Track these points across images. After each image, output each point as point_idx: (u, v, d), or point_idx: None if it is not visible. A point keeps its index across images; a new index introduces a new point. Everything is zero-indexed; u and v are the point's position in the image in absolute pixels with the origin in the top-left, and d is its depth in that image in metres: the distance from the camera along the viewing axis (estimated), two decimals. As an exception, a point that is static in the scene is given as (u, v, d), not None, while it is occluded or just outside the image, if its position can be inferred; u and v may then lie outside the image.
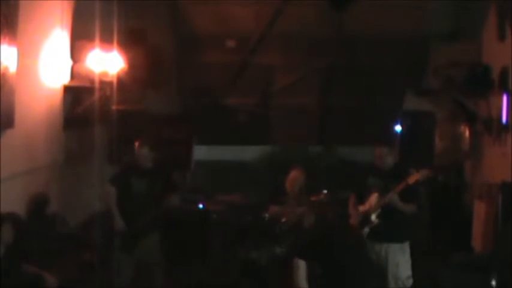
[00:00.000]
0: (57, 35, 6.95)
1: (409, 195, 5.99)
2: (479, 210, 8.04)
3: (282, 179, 7.18)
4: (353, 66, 9.93)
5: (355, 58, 9.80)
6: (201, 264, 8.09)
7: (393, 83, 9.99)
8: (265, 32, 9.66)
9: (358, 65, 9.90)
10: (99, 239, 6.83)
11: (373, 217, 6.08)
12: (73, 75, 7.30)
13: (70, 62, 7.26)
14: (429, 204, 8.71)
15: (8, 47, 5.45)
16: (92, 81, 7.33)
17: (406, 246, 6.15)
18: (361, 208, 6.19)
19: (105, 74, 7.40)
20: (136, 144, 6.52)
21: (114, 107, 7.94)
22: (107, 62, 7.39)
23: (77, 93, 7.52)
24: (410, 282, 6.09)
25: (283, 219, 7.36)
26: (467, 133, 9.30)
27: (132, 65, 7.90)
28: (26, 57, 5.99)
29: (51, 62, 6.80)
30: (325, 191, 8.04)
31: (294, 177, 7.09)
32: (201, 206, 8.64)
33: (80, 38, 7.36)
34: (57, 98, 7.13)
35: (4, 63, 5.41)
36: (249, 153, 11.53)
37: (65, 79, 7.21)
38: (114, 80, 7.55)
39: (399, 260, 6.06)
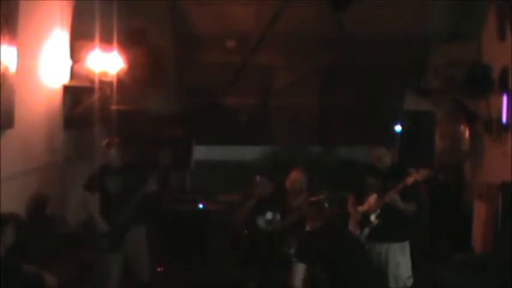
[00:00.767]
0: (57, 35, 6.95)
1: (408, 196, 5.98)
2: (479, 210, 8.04)
3: (282, 179, 7.18)
4: (353, 66, 9.92)
5: (355, 58, 9.80)
6: (201, 264, 8.09)
7: (393, 83, 9.98)
8: (265, 32, 9.65)
9: (358, 65, 9.89)
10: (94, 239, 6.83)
11: (373, 218, 6.07)
12: (73, 75, 7.30)
13: (70, 62, 7.27)
14: (429, 204, 8.71)
15: (8, 47, 5.45)
16: (92, 81, 7.34)
17: (406, 246, 6.14)
18: (360, 208, 6.18)
19: (105, 74, 7.41)
20: (104, 144, 6.42)
21: (114, 107, 7.95)
22: (107, 62, 7.40)
23: (76, 93, 7.52)
24: (410, 281, 6.09)
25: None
26: (467, 133, 9.30)
27: (132, 65, 7.91)
28: (26, 57, 6.00)
29: (51, 62, 6.80)
30: (325, 191, 8.05)
31: (295, 177, 7.08)
32: (201, 206, 8.64)
33: (79, 38, 7.36)
34: (57, 98, 7.13)
35: (4, 63, 5.41)
36: (249, 153, 11.52)
37: (65, 79, 7.21)
38: (114, 80, 7.57)
39: (399, 259, 6.05)
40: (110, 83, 7.53)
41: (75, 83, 7.30)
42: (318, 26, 9.44)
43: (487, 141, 8.53)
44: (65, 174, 7.34)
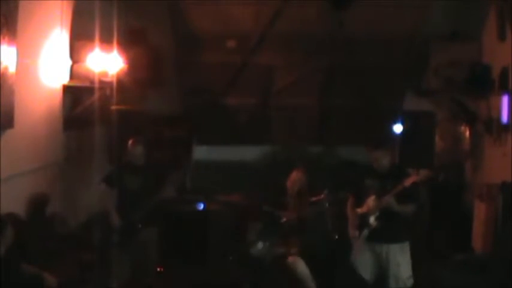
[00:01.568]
0: (57, 35, 6.94)
1: (407, 197, 5.96)
2: (479, 211, 8.04)
3: (282, 179, 7.18)
4: (353, 66, 9.92)
5: (355, 58, 9.79)
6: (201, 264, 8.09)
7: (393, 83, 9.98)
8: (265, 32, 9.66)
9: (358, 65, 9.89)
10: (99, 238, 6.86)
11: (372, 220, 6.05)
12: (73, 75, 7.29)
13: (70, 62, 7.26)
14: (429, 204, 8.71)
15: (7, 47, 5.45)
16: (92, 81, 7.33)
17: (406, 246, 6.14)
18: (359, 210, 6.17)
19: (105, 74, 7.41)
20: (130, 142, 6.56)
21: (114, 107, 7.95)
22: (107, 62, 7.39)
23: (76, 93, 7.52)
24: (411, 282, 6.09)
25: (284, 219, 7.38)
26: (467, 133, 9.31)
27: (132, 65, 7.91)
28: (25, 57, 5.99)
29: (51, 62, 6.79)
30: (325, 191, 8.05)
31: (295, 177, 7.09)
32: (201, 206, 8.64)
33: (79, 38, 7.35)
34: (57, 98, 7.12)
35: (4, 63, 5.41)
36: (249, 153, 11.52)
37: (65, 79, 7.21)
38: (114, 80, 7.55)
39: (400, 260, 6.05)
40: (110, 83, 7.53)
41: (75, 83, 7.30)
42: (318, 26, 9.44)
43: (487, 141, 8.53)
44: (65, 174, 7.34)
